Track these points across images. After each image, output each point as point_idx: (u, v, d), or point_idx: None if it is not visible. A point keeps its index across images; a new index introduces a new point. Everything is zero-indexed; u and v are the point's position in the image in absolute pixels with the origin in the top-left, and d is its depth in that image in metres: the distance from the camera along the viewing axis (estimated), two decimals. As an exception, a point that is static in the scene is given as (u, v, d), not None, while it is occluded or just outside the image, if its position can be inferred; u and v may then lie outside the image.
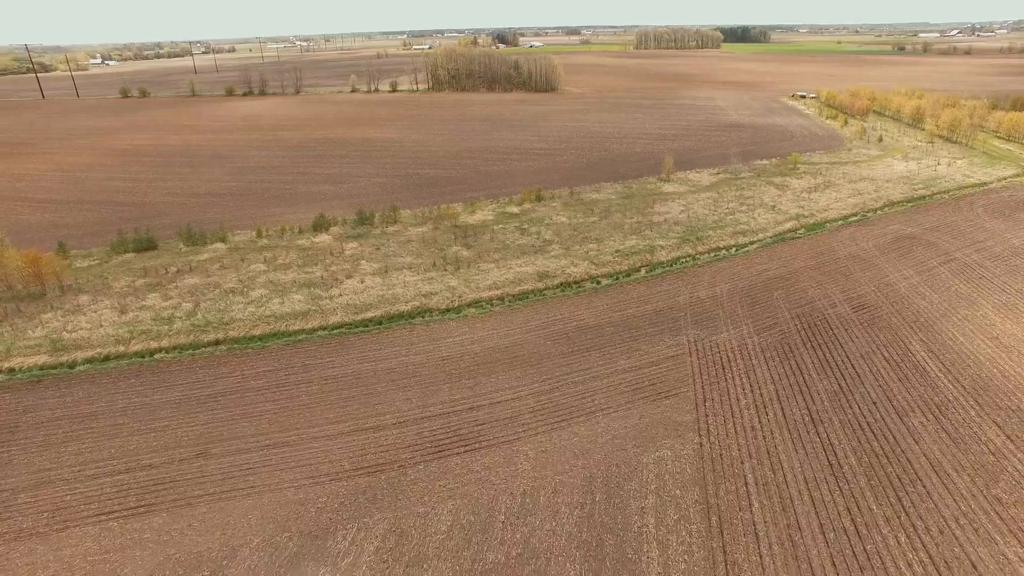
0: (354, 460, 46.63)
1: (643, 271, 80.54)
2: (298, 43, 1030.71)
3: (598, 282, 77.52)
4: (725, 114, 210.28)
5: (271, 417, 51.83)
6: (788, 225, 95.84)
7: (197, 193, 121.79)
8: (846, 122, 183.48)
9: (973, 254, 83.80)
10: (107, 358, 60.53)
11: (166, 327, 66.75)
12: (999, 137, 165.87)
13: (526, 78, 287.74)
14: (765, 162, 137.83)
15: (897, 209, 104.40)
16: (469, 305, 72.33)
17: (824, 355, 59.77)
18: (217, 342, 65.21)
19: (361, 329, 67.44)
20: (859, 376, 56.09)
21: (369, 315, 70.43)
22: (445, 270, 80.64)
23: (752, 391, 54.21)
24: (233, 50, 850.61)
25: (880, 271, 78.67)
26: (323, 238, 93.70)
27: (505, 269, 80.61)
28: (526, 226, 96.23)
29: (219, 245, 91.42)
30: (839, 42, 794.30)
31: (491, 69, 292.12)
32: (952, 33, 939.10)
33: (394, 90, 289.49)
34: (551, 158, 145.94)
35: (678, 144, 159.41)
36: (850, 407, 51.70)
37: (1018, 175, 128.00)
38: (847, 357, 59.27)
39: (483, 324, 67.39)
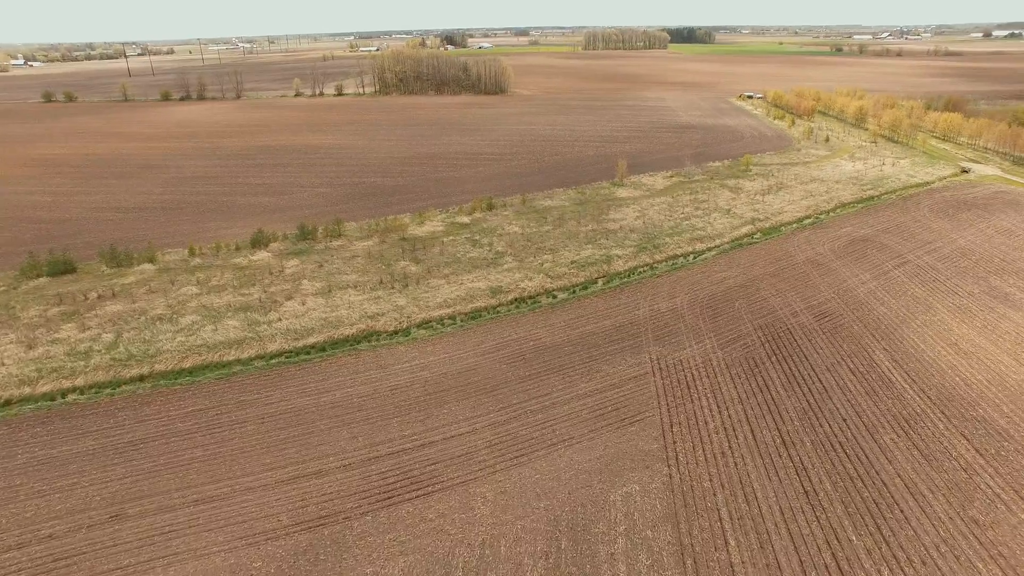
0: (293, 513, 41.82)
1: (600, 283, 77.64)
2: (240, 45, 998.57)
3: (554, 296, 74.23)
4: (675, 115, 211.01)
5: (200, 466, 46.46)
6: (744, 229, 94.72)
7: (125, 207, 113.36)
8: (793, 122, 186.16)
9: (924, 256, 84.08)
10: (8, 403, 53.68)
11: (82, 363, 60.13)
12: (936, 137, 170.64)
13: (475, 80, 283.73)
14: (717, 164, 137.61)
15: (848, 211, 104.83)
16: (419, 326, 67.96)
17: (790, 369, 57.85)
18: (141, 378, 59.07)
19: (303, 357, 62.27)
20: (827, 391, 54.28)
21: (311, 341, 65.27)
22: (392, 288, 75.99)
23: (720, 412, 51.67)
24: (171, 52, 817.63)
25: (838, 276, 77.87)
26: (262, 255, 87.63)
27: (456, 285, 76.48)
28: (477, 237, 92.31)
29: (147, 266, 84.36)
30: (781, 43, 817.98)
31: (439, 71, 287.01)
32: (883, 36, 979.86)
33: (340, 94, 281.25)
34: (502, 163, 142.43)
35: (630, 147, 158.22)
36: (820, 426, 49.68)
37: (956, 174, 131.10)
38: (813, 370, 57.50)
39: (434, 347, 63.13)
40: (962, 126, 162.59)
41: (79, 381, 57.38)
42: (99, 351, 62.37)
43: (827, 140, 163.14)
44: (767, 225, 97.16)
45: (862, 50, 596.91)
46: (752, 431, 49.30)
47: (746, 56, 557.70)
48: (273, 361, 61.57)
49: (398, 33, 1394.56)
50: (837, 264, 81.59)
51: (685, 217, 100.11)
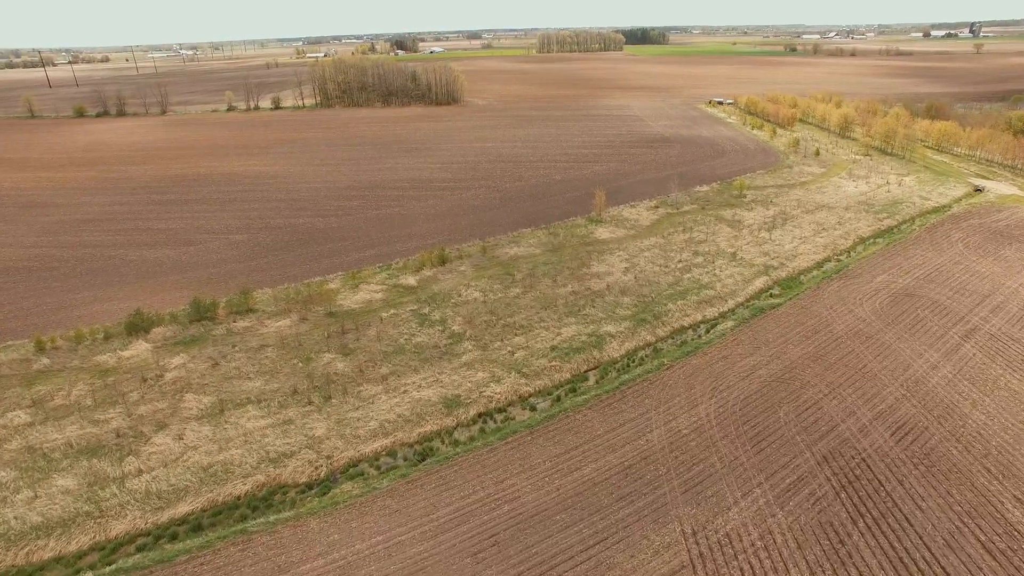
0: None
1: (592, 380, 57.97)
2: (182, 52, 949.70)
3: (533, 408, 54.16)
4: (645, 125, 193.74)
5: None
6: (759, 283, 76.51)
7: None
8: (774, 132, 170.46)
9: (991, 318, 67.10)
10: None
11: None
12: (929, 147, 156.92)
13: (425, 90, 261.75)
14: (705, 188, 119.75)
15: (872, 249, 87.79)
16: (344, 472, 47.16)
17: (890, 544, 39.04)
18: None
19: (161, 551, 40.66)
20: (961, 596, 35.64)
21: (181, 511, 43.93)
22: (310, 403, 54.79)
23: (813, 658, 32.41)
24: (106, 60, 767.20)
25: (897, 357, 59.92)
26: (138, 349, 65.13)
27: (398, 394, 55.70)
28: (427, 309, 71.53)
29: (-31, 372, 61.21)
30: (734, 43, 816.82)
31: (386, 81, 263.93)
32: (831, 35, 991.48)
33: (277, 107, 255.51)
34: (456, 193, 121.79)
35: (602, 167, 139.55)
36: None
37: (970, 194, 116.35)
38: (925, 547, 38.81)
39: (362, 521, 42.27)
40: (959, 136, 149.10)
41: None
42: None
43: (817, 154, 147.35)
44: (783, 274, 79.27)
45: (816, 50, 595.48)
46: None
47: (702, 57, 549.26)
48: (112, 566, 39.76)
49: (348, 38, 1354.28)
50: (889, 336, 63.76)
51: (684, 267, 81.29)
